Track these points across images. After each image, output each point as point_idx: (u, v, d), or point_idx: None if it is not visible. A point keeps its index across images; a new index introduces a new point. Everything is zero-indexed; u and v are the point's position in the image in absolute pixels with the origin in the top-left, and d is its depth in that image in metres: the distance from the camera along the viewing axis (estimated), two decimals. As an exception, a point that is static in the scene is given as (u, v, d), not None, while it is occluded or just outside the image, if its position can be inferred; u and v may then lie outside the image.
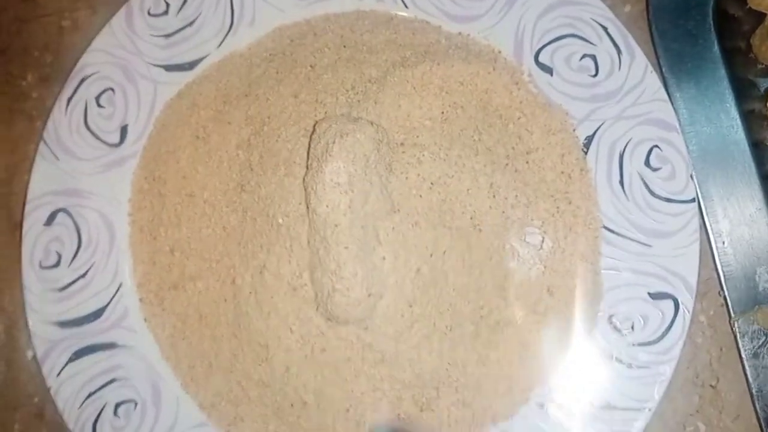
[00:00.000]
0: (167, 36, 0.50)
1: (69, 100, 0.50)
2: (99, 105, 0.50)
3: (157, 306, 0.48)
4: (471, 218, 0.44)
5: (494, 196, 0.45)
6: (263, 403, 0.46)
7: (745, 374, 0.45)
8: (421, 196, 0.44)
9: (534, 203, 0.46)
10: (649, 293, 0.45)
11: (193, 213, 0.48)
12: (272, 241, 0.44)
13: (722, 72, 0.47)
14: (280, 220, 0.44)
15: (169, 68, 0.50)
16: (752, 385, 0.45)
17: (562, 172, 0.46)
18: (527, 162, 0.47)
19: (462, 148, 0.45)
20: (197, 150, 0.49)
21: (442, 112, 0.46)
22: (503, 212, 0.45)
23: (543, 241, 0.46)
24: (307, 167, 0.42)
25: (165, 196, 0.49)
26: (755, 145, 0.47)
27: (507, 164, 0.46)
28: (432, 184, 0.44)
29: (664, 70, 0.48)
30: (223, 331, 0.46)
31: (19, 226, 0.50)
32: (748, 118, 0.47)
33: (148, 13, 0.51)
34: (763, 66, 0.48)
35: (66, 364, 0.47)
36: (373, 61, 0.48)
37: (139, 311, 0.48)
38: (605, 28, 0.47)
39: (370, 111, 0.45)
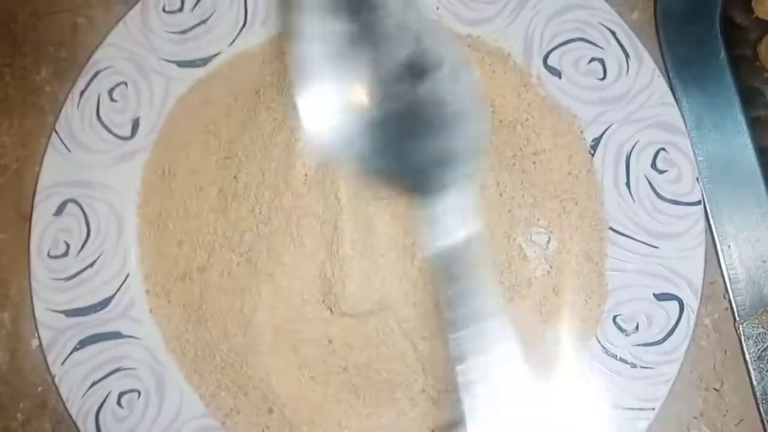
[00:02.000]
0: (181, 33, 0.51)
1: (82, 93, 0.51)
2: (111, 99, 0.51)
3: (164, 298, 0.49)
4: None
5: (501, 195, 0.45)
6: (259, 397, 0.46)
7: (750, 378, 0.45)
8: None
9: (540, 203, 0.46)
10: (654, 294, 0.45)
11: (202, 206, 0.48)
12: (283, 236, 0.44)
13: (729, 79, 0.48)
14: (291, 214, 0.44)
15: (181, 64, 0.51)
16: (756, 389, 0.45)
17: (569, 173, 0.47)
18: (534, 163, 0.47)
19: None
20: (208, 144, 0.50)
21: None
22: (509, 211, 0.46)
23: (549, 241, 0.46)
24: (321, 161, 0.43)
25: (175, 189, 0.49)
26: (761, 152, 0.47)
27: (514, 164, 0.47)
28: None
29: (671, 75, 0.48)
30: (230, 323, 0.46)
31: (29, 217, 0.50)
32: (754, 125, 0.48)
33: (163, 10, 0.51)
34: (770, 74, 0.49)
35: (71, 352, 0.47)
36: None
37: (145, 302, 0.49)
38: (613, 33, 0.48)
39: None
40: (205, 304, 0.47)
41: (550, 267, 0.46)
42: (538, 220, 0.46)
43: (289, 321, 0.45)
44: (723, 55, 0.48)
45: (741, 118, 0.47)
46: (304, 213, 0.43)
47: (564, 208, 0.46)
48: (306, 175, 0.43)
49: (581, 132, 0.47)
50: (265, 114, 0.47)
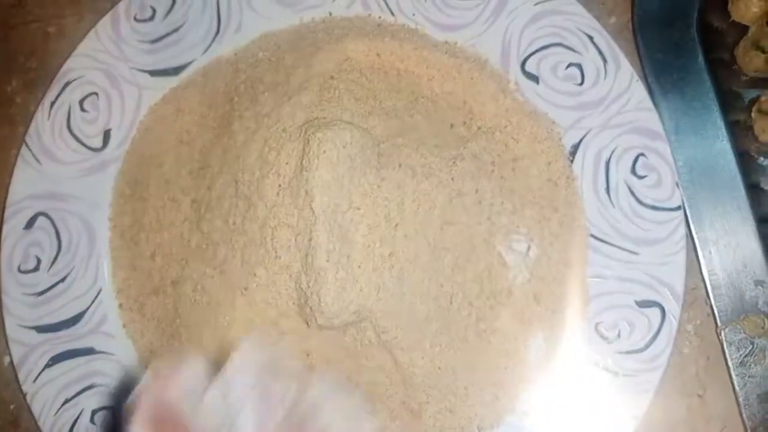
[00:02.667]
0: (153, 41, 0.50)
1: (52, 103, 0.50)
2: (83, 109, 0.50)
3: (137, 312, 0.48)
4: (457, 224, 0.44)
5: (480, 202, 0.45)
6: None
7: (732, 383, 0.45)
8: (404, 202, 0.43)
9: (520, 210, 0.46)
10: (635, 301, 0.45)
11: (175, 217, 0.48)
12: (257, 247, 0.43)
13: (707, 83, 0.48)
14: (265, 225, 0.43)
15: (154, 73, 0.50)
16: (739, 395, 0.44)
17: (549, 180, 0.46)
18: (513, 169, 0.47)
19: (449, 154, 0.45)
20: (181, 154, 0.49)
21: (428, 118, 0.46)
22: (489, 218, 0.45)
23: (529, 249, 0.46)
24: (295, 171, 0.42)
25: (147, 200, 0.49)
26: (740, 155, 0.47)
27: (493, 171, 0.46)
28: (416, 190, 0.44)
29: (649, 80, 0.48)
30: (205, 337, 0.45)
31: (-1, 229, 0.49)
32: (733, 129, 0.47)
33: (135, 19, 0.50)
34: (747, 77, 0.49)
35: (43, 369, 0.46)
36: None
37: (118, 317, 0.48)
38: (591, 38, 0.47)
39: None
40: (179, 319, 0.46)
41: (531, 275, 0.45)
42: (517, 227, 0.46)
43: (265, 335, 0.44)
44: (701, 59, 0.48)
45: (720, 123, 0.47)
46: (279, 224, 0.42)
47: (544, 215, 0.46)
48: (280, 185, 0.42)
49: (560, 138, 0.46)
50: (238, 123, 0.46)
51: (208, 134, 0.48)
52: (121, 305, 0.48)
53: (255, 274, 0.43)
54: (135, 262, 0.48)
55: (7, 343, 0.47)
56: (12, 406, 0.49)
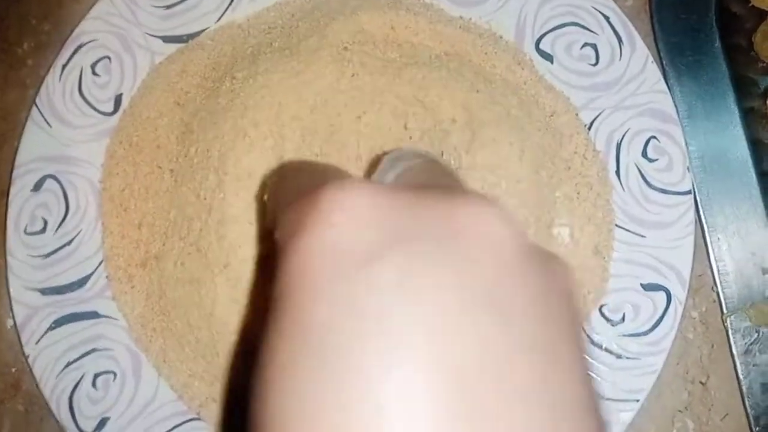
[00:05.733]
0: (167, 7, 0.50)
1: (64, 66, 0.49)
2: (94, 73, 0.49)
3: (126, 283, 0.47)
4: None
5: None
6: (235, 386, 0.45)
7: (736, 371, 0.45)
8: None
9: (557, 185, 0.45)
10: (641, 284, 0.44)
11: (159, 186, 0.47)
12: (232, 223, 0.43)
13: (723, 68, 0.47)
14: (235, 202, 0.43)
15: (166, 39, 0.50)
16: (743, 383, 0.44)
17: (575, 153, 0.46)
18: (544, 133, 0.46)
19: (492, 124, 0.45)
20: (174, 118, 0.48)
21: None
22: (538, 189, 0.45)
23: (570, 234, 0.45)
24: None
25: (138, 165, 0.48)
26: (753, 143, 0.47)
27: (530, 130, 0.45)
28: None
29: (664, 63, 0.48)
30: (191, 316, 0.45)
31: (6, 193, 0.49)
32: (747, 116, 0.47)
33: (149, -16, 0.50)
34: (764, 64, 0.48)
35: (46, 331, 0.46)
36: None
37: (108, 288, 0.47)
38: (607, 18, 0.47)
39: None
40: (165, 296, 0.46)
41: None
42: (558, 210, 0.45)
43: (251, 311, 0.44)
44: (718, 43, 0.47)
45: (734, 109, 0.47)
46: (253, 198, 0.42)
47: (578, 193, 0.45)
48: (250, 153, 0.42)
49: (576, 114, 0.46)
50: (228, 84, 0.46)
51: (200, 96, 0.48)
52: (108, 277, 0.47)
53: (235, 252, 0.42)
54: (124, 229, 0.47)
55: (10, 305, 0.47)
56: (13, 369, 0.49)
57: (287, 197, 0.27)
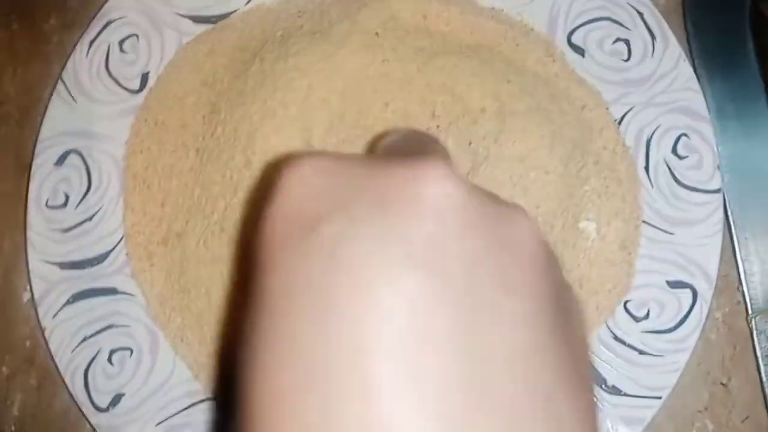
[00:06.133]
0: (198, -13, 0.50)
1: (92, 42, 0.49)
2: (122, 50, 0.49)
3: (146, 261, 0.47)
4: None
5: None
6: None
7: (759, 374, 0.44)
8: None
9: (585, 179, 0.45)
10: (667, 281, 0.44)
11: (183, 165, 0.47)
12: (254, 205, 0.43)
13: (755, 70, 0.47)
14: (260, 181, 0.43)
15: (196, 20, 0.49)
16: (765, 386, 0.44)
17: (605, 148, 0.45)
18: (574, 126, 0.46)
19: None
20: (201, 97, 0.48)
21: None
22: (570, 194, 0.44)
23: (596, 229, 0.45)
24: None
25: (163, 143, 0.48)
26: (783, 146, 0.46)
27: (560, 123, 0.45)
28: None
29: (696, 62, 0.47)
30: (213, 296, 0.45)
31: (28, 168, 0.49)
32: (778, 119, 0.47)
33: (181, -37, 0.50)
34: (796, 68, 0.48)
35: (63, 306, 0.46)
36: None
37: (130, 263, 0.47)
38: (641, 14, 0.47)
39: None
40: (185, 274, 0.45)
41: (586, 256, 0.45)
42: (586, 204, 0.45)
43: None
44: (750, 45, 0.47)
45: (764, 110, 0.46)
46: None
47: (607, 187, 0.45)
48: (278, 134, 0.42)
49: (607, 108, 0.46)
50: (257, 65, 0.46)
51: (228, 77, 0.47)
52: (128, 254, 0.47)
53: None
54: (146, 207, 0.47)
55: (29, 277, 0.47)
56: (27, 343, 0.49)
57: None
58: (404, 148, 0.28)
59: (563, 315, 0.22)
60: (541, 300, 0.21)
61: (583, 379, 0.22)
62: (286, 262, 0.21)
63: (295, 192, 0.22)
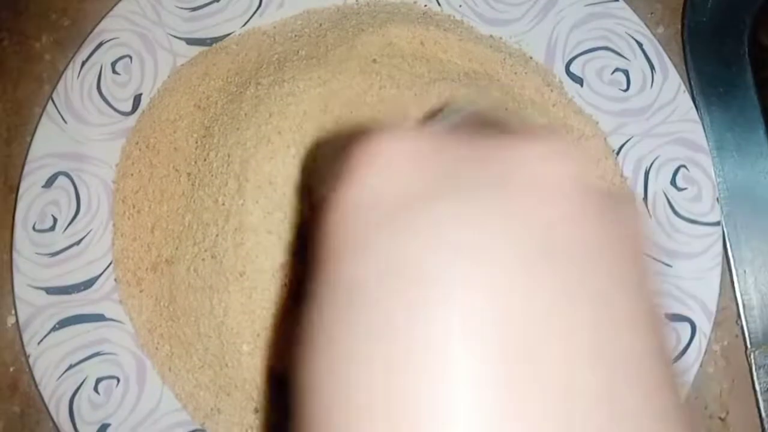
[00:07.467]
0: (192, 9, 0.49)
1: (84, 63, 0.48)
2: (114, 71, 0.48)
3: (135, 287, 0.46)
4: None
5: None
6: (243, 397, 0.44)
7: (758, 408, 0.44)
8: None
9: None
10: (665, 314, 0.43)
11: (175, 190, 0.46)
12: (249, 232, 0.42)
13: (754, 100, 0.47)
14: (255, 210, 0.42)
15: (190, 42, 0.49)
16: (765, 420, 0.43)
17: (602, 177, 0.45)
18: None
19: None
20: (194, 121, 0.47)
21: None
22: None
23: None
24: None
25: (154, 167, 0.47)
26: (782, 177, 0.46)
27: None
28: None
29: (695, 92, 0.47)
30: (202, 324, 0.44)
31: (15, 189, 0.48)
32: (776, 150, 0.47)
33: (176, -16, 0.49)
34: (795, 99, 0.48)
35: (49, 332, 0.45)
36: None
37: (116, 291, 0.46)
38: (640, 44, 0.46)
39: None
40: (174, 301, 0.44)
41: None
42: None
43: (266, 326, 0.42)
44: (749, 76, 0.47)
45: (764, 141, 0.46)
46: (276, 207, 0.41)
47: None
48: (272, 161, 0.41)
49: (605, 138, 0.45)
50: (252, 89, 0.45)
51: (222, 100, 0.47)
52: (117, 279, 0.46)
53: (251, 260, 0.41)
54: (136, 232, 0.46)
55: (14, 302, 0.46)
56: (11, 369, 0.48)
57: (327, 165, 0.26)
58: (486, 123, 0.26)
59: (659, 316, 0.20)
60: (651, 300, 0.19)
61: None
62: (376, 245, 0.18)
63: (374, 171, 0.19)
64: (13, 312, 0.47)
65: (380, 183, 0.19)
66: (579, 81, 0.47)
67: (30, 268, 0.46)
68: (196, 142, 0.47)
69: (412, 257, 0.17)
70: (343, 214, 0.19)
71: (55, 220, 0.46)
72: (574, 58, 0.47)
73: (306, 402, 0.18)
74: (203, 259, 0.43)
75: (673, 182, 0.45)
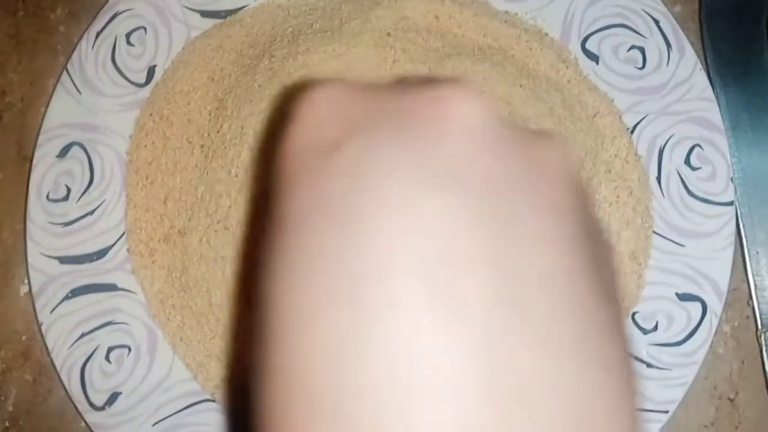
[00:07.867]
0: (208, -19, 0.49)
1: (98, 34, 0.48)
2: (129, 43, 0.48)
3: (148, 258, 0.46)
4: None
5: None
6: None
7: (767, 389, 0.43)
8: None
9: (597, 187, 0.44)
10: (676, 294, 0.43)
11: (188, 161, 0.46)
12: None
13: (770, 81, 0.46)
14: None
15: (204, 14, 0.49)
16: (773, 401, 0.43)
17: (616, 156, 0.45)
18: (586, 134, 0.45)
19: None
20: (208, 93, 0.47)
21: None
22: None
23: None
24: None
25: (168, 138, 0.47)
26: (798, 159, 0.46)
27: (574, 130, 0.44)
28: None
29: (711, 72, 0.47)
30: (213, 295, 0.44)
31: (29, 159, 0.48)
32: (792, 131, 0.46)
33: (190, -44, 0.49)
34: (812, 80, 0.47)
35: (61, 301, 0.45)
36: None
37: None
38: (657, 22, 0.46)
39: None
40: (186, 272, 0.44)
41: None
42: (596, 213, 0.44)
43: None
44: (766, 56, 0.47)
45: (779, 122, 0.46)
46: None
47: (618, 197, 0.44)
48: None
49: (620, 116, 0.45)
50: (266, 62, 0.45)
51: (236, 73, 0.47)
52: (130, 250, 0.46)
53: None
54: (148, 203, 0.46)
55: (27, 271, 0.46)
56: (24, 337, 0.48)
57: None
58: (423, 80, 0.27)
59: (599, 250, 0.21)
60: (578, 225, 0.20)
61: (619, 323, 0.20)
62: (308, 181, 0.20)
63: (312, 117, 0.22)
64: (25, 281, 0.47)
65: (309, 129, 0.21)
66: (594, 58, 0.46)
67: (43, 238, 0.46)
68: (210, 114, 0.47)
69: (336, 193, 0.19)
70: (281, 161, 0.22)
71: (68, 190, 0.47)
72: (590, 35, 0.47)
73: (260, 312, 0.20)
74: (216, 231, 0.44)
75: (687, 161, 0.45)
